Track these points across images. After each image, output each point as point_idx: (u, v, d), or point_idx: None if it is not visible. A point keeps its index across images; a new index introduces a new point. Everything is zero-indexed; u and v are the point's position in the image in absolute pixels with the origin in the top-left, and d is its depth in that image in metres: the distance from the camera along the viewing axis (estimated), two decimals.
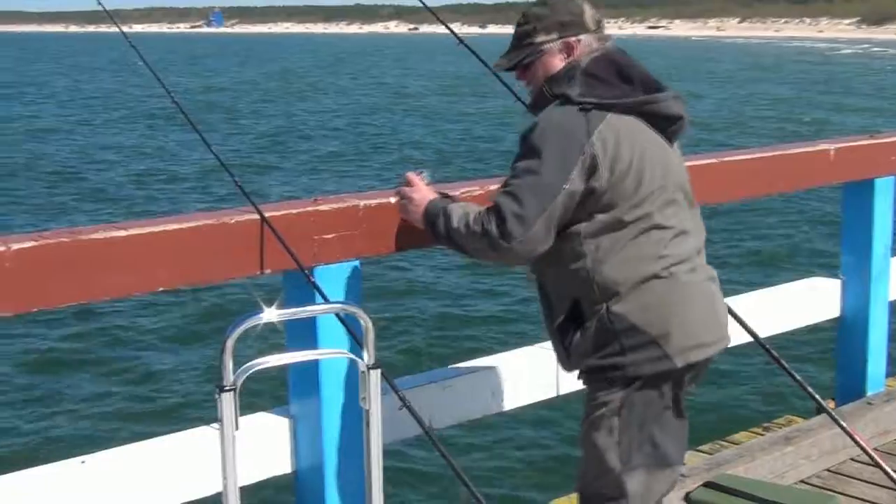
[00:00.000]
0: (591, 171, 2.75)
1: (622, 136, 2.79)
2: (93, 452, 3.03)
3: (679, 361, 2.85)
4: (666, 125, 2.93)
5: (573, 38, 2.93)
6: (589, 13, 2.97)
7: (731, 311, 3.43)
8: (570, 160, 2.73)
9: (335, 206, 3.19)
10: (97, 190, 20.24)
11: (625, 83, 2.85)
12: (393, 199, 3.21)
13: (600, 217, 2.80)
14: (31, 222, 16.35)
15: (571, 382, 3.16)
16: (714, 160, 4.32)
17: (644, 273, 2.82)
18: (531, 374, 3.83)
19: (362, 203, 3.23)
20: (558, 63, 2.93)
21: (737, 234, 15.32)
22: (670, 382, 2.89)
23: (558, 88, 2.88)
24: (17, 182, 21.15)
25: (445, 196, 3.09)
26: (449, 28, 4.11)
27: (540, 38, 2.94)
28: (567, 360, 2.95)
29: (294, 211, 3.12)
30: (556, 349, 2.99)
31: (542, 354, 3.30)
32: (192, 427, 3.20)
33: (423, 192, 3.06)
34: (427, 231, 3.02)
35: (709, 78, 55.89)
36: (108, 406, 8.97)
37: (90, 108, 38.35)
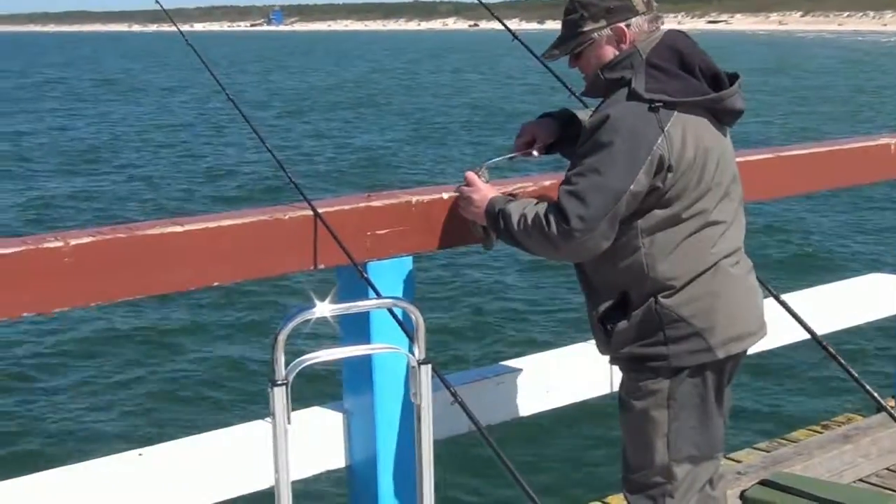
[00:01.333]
0: (658, 170, 2.74)
1: (688, 134, 2.78)
2: (149, 446, 3.07)
3: (721, 353, 2.88)
4: (727, 119, 2.92)
5: (623, 24, 2.89)
6: None
7: (787, 308, 3.42)
8: (639, 161, 2.72)
9: (388, 201, 3.20)
10: (152, 185, 20.51)
11: (689, 73, 2.82)
12: (446, 195, 3.22)
13: (658, 212, 2.80)
14: (91, 217, 16.60)
15: None
16: (770, 155, 4.27)
17: (697, 269, 2.84)
18: (584, 370, 3.81)
19: (415, 199, 3.24)
20: (610, 51, 2.90)
21: (793, 230, 15.14)
22: (714, 373, 2.92)
23: (614, 74, 2.87)
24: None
25: (506, 194, 3.10)
26: (503, 24, 4.12)
27: (588, 27, 2.91)
28: (607, 344, 2.97)
29: (347, 207, 3.13)
30: (597, 334, 3.01)
31: (595, 350, 3.27)
32: (247, 421, 3.23)
33: (483, 190, 3.07)
34: (489, 228, 3.04)
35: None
36: (163, 400, 9.09)
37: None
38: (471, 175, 3.11)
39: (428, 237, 3.27)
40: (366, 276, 2.99)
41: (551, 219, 2.79)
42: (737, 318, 2.91)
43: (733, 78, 2.89)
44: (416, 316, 2.42)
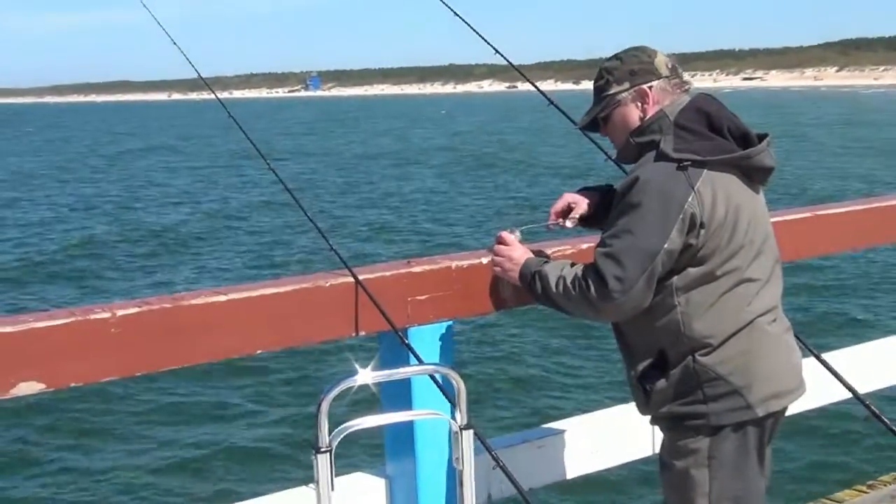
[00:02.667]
0: (690, 228, 2.77)
1: (718, 191, 2.81)
2: None
3: (761, 411, 2.88)
4: (758, 176, 2.95)
5: (645, 86, 2.95)
6: (661, 59, 3.00)
7: (827, 366, 3.40)
8: (671, 219, 2.75)
9: (428, 267, 3.24)
10: (194, 253, 20.68)
11: (718, 134, 2.86)
12: (485, 260, 3.25)
13: (692, 270, 2.82)
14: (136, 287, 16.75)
15: None
16: (808, 214, 4.27)
17: (733, 326, 2.85)
18: (626, 432, 3.80)
19: (454, 264, 3.27)
20: (634, 112, 2.97)
21: (832, 286, 15.02)
22: (754, 431, 2.92)
23: (643, 137, 2.92)
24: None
25: (541, 254, 3.14)
26: (538, 88, 4.16)
27: (613, 90, 2.98)
28: (646, 404, 2.99)
29: (388, 273, 3.17)
30: (635, 393, 3.02)
31: (637, 411, 3.27)
32: (291, 487, 3.25)
33: (518, 251, 3.09)
34: (525, 290, 3.06)
35: None
36: (207, 464, 9.12)
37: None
38: (506, 235, 3.13)
39: (468, 302, 3.30)
40: (407, 342, 3.02)
41: (589, 281, 2.82)
42: (775, 376, 2.92)
43: (762, 137, 2.92)
44: (458, 381, 2.44)
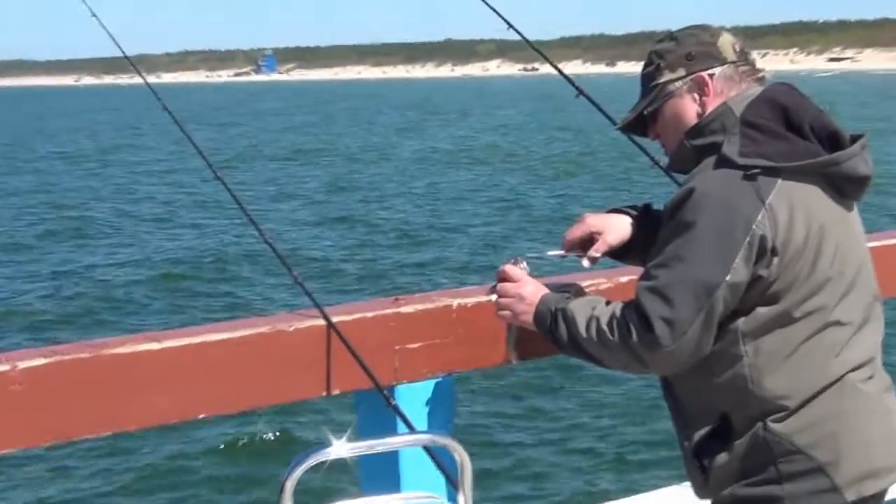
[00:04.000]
0: (759, 256, 2.76)
1: (796, 208, 2.80)
2: None
3: (850, 495, 2.86)
4: (849, 188, 2.94)
5: (705, 73, 2.98)
6: (726, 40, 3.02)
7: None
8: (735, 244, 2.75)
9: (421, 307, 3.25)
10: (116, 286, 20.61)
11: (796, 134, 2.86)
12: (492, 298, 3.25)
13: (763, 311, 2.82)
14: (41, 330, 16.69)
15: None
16: None
17: (816, 384, 2.85)
18: None
19: (455, 302, 3.29)
20: (691, 106, 2.99)
21: None
22: None
23: (703, 140, 2.93)
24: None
25: (562, 289, 3.12)
26: (562, 73, 4.14)
27: (664, 78, 3.01)
28: (704, 485, 2.98)
29: (369, 314, 3.19)
30: (690, 471, 3.01)
31: (691, 494, 3.26)
32: None
33: (529, 286, 3.08)
34: (544, 336, 3.04)
35: None
36: None
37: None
38: (510, 269, 3.12)
39: (472, 352, 3.32)
40: (394, 402, 3.03)
41: (631, 324, 2.81)
42: (871, 449, 2.90)
43: (856, 139, 2.92)
44: (460, 454, 2.45)
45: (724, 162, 2.83)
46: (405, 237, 24.98)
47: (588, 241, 3.17)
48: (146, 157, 48.98)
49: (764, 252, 2.76)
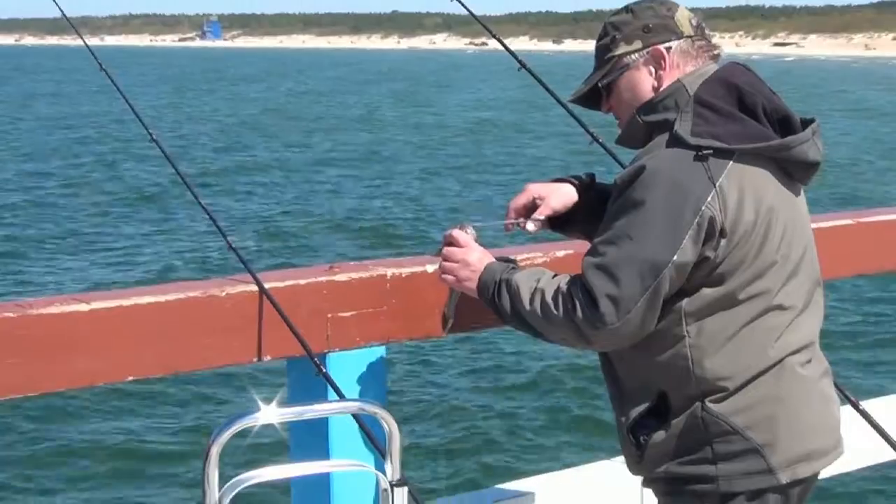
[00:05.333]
0: (708, 237, 2.77)
1: (746, 190, 2.81)
2: None
3: (785, 477, 2.88)
4: (799, 173, 2.96)
5: (662, 46, 2.97)
6: (683, 14, 3.02)
7: (869, 419, 3.44)
8: (683, 224, 2.75)
9: (355, 275, 3.24)
10: (49, 251, 20.45)
11: (749, 115, 2.86)
12: (430, 268, 3.25)
13: (708, 292, 2.83)
14: None
15: None
16: (849, 221, 4.31)
17: (756, 367, 2.86)
18: (610, 497, 3.83)
19: (390, 272, 3.27)
20: (647, 79, 2.98)
21: (877, 316, 15.14)
22: (777, 501, 2.92)
23: (655, 116, 2.93)
24: None
25: (506, 260, 3.10)
26: (506, 47, 4.16)
27: (621, 50, 2.99)
28: (639, 461, 2.99)
29: (302, 281, 3.18)
30: (626, 447, 3.01)
31: (624, 469, 3.28)
32: None
33: (476, 253, 3.05)
34: (486, 306, 3.03)
35: None
36: None
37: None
38: (458, 234, 3.09)
39: (406, 322, 3.31)
40: (324, 370, 3.01)
41: (576, 299, 2.80)
42: (807, 433, 2.92)
43: (807, 124, 2.93)
44: (390, 424, 2.44)
45: (676, 141, 2.83)
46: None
47: (532, 208, 3.16)
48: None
49: (713, 233, 2.77)
